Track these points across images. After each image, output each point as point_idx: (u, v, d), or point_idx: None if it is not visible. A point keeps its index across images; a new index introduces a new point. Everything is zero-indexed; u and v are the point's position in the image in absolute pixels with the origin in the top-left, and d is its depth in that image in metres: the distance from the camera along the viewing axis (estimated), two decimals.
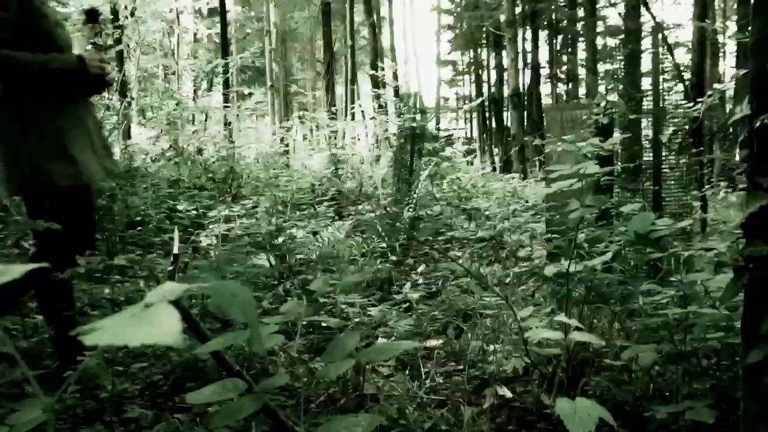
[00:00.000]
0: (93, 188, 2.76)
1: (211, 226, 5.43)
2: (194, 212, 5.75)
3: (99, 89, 2.83)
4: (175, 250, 1.36)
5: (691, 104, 4.66)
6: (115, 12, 9.91)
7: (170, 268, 1.35)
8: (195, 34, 22.01)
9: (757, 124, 1.05)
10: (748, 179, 1.04)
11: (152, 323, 0.41)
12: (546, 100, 23.44)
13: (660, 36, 5.21)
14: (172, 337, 0.41)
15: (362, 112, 13.19)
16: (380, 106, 11.15)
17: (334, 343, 1.25)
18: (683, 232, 4.15)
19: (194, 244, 4.82)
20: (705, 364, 2.15)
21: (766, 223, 1.05)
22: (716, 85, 4.50)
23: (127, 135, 9.98)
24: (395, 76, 18.27)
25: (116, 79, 2.97)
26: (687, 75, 10.66)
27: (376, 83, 15.27)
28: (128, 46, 11.58)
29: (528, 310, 2.51)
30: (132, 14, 10.54)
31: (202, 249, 4.62)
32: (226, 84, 13.46)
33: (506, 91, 19.99)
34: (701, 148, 4.94)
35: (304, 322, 3.27)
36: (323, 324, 3.29)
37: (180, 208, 5.84)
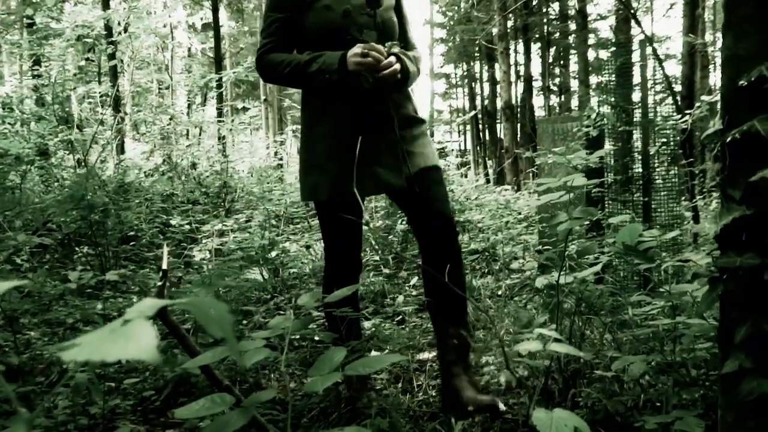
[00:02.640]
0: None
1: (204, 241, 5.44)
2: (188, 227, 5.76)
3: (384, 86, 2.31)
4: (164, 266, 1.37)
5: (680, 116, 4.69)
6: (108, 28, 9.95)
7: (159, 283, 1.37)
8: (189, 49, 22.10)
9: (729, 139, 1.07)
10: (721, 192, 1.07)
11: (129, 339, 0.43)
12: (539, 113, 23.57)
13: (650, 48, 5.25)
14: (148, 352, 0.42)
15: None
16: None
17: (322, 356, 1.26)
18: (674, 243, 4.18)
19: (187, 258, 4.83)
20: (694, 374, 2.17)
21: (739, 234, 1.07)
22: (704, 97, 4.54)
23: (120, 150, 10.01)
24: None
25: (396, 70, 2.34)
26: (678, 87, 10.74)
27: None
28: (122, 61, 11.62)
29: (520, 322, 2.53)
30: (125, 30, 10.59)
31: (195, 263, 4.62)
32: (220, 98, 13.50)
33: (499, 104, 20.07)
34: (691, 159, 4.97)
35: (297, 336, 3.28)
36: (315, 338, 3.30)
37: (173, 222, 5.85)
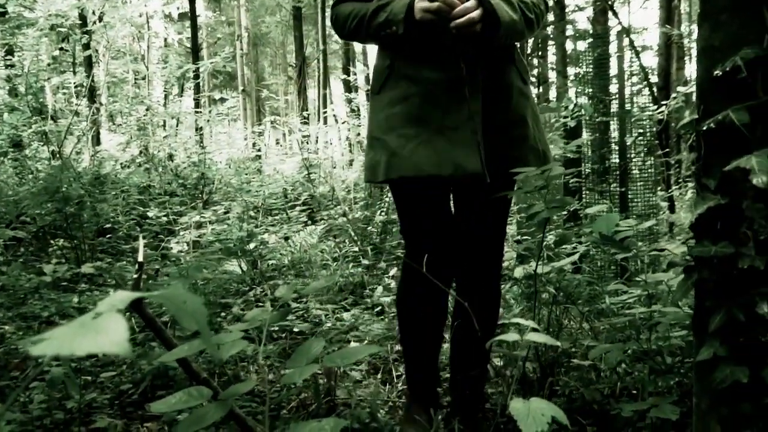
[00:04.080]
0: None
1: (182, 233, 5.40)
2: (165, 219, 5.71)
3: (460, 41, 1.78)
4: (140, 258, 1.36)
5: (656, 107, 4.74)
6: (83, 17, 9.80)
7: (135, 276, 1.35)
8: (165, 39, 21.86)
9: (704, 129, 1.08)
10: (696, 182, 1.08)
11: (100, 332, 0.42)
12: None
13: (627, 40, 5.30)
14: (120, 346, 0.41)
15: (334, 116, 13.19)
16: (352, 110, 11.17)
17: (300, 348, 1.26)
18: (650, 232, 4.23)
19: (165, 251, 4.79)
20: (669, 362, 2.19)
21: (713, 223, 1.08)
22: (680, 88, 4.59)
23: (96, 141, 9.88)
24: (368, 80, 18.29)
25: (473, 19, 1.68)
26: (655, 78, 10.83)
27: (349, 87, 15.29)
28: (97, 51, 11.46)
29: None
30: (100, 19, 10.44)
31: (173, 256, 4.58)
32: (197, 89, 13.40)
33: None
34: (667, 150, 5.03)
35: (276, 328, 3.27)
36: (295, 329, 3.29)
37: (150, 214, 5.79)
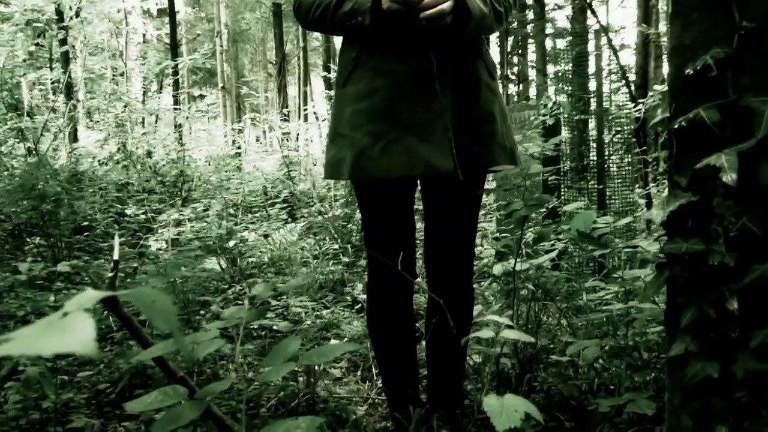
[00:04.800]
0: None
1: (160, 231, 5.36)
2: (143, 216, 5.66)
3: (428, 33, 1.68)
4: (116, 256, 1.35)
5: (634, 105, 4.79)
6: (59, 12, 9.67)
7: (111, 274, 1.34)
8: (144, 35, 21.63)
9: (675, 127, 1.09)
10: (668, 179, 1.09)
11: (66, 332, 0.42)
12: None
13: (605, 38, 5.34)
14: (86, 345, 0.41)
15: (315, 113, 13.15)
16: None
17: (277, 346, 1.26)
18: (627, 229, 4.27)
19: (143, 248, 4.75)
20: (646, 358, 2.22)
21: (685, 221, 1.10)
22: (656, 87, 4.64)
23: (73, 138, 9.77)
24: None
25: (443, 10, 1.60)
26: (632, 76, 10.92)
27: (329, 85, 15.24)
28: (74, 47, 11.32)
29: (477, 309, 2.56)
30: (77, 14, 10.32)
31: (151, 253, 4.55)
32: (176, 85, 13.29)
33: None
34: (645, 148, 5.08)
35: (255, 326, 3.26)
36: (274, 327, 3.28)
37: (129, 212, 5.74)
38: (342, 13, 1.73)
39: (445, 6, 1.61)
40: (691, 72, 1.10)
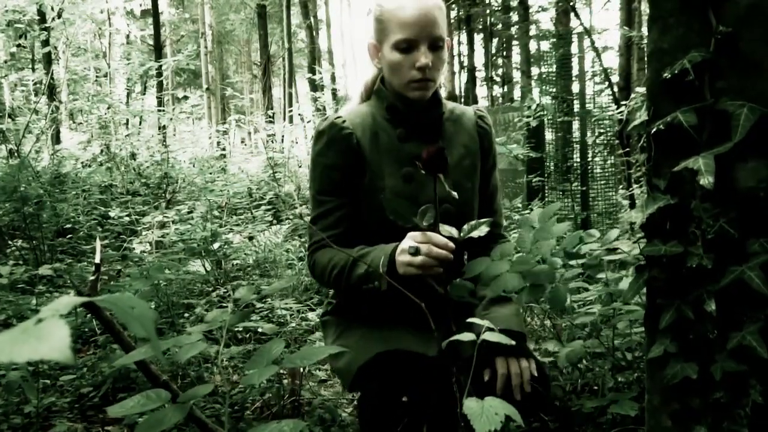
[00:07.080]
0: None
1: (144, 233, 5.33)
2: (127, 218, 5.62)
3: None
4: (97, 259, 1.34)
5: (617, 106, 4.82)
6: (41, 13, 9.60)
7: (92, 278, 1.33)
8: (127, 36, 21.51)
9: (653, 130, 1.11)
10: (646, 182, 1.10)
11: (41, 339, 0.42)
12: (482, 103, 23.86)
13: (589, 40, 5.38)
14: (61, 352, 0.41)
15: (300, 115, 13.12)
16: (318, 109, 11.13)
17: (260, 349, 1.25)
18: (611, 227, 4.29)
19: (126, 251, 4.72)
20: (630, 358, 2.24)
21: (663, 223, 1.11)
22: (639, 89, 4.68)
23: (56, 139, 9.69)
24: (333, 79, 18.26)
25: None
26: (616, 78, 10.98)
27: (314, 86, 15.22)
28: (56, 48, 11.23)
29: None
30: (60, 15, 10.24)
31: (135, 256, 4.52)
32: (160, 87, 13.21)
33: (443, 94, 20.20)
34: (628, 149, 5.12)
35: (240, 329, 3.25)
36: (259, 330, 3.27)
37: (112, 214, 5.70)
38: (357, 275, 1.61)
39: (450, 250, 1.46)
40: (669, 76, 1.11)
